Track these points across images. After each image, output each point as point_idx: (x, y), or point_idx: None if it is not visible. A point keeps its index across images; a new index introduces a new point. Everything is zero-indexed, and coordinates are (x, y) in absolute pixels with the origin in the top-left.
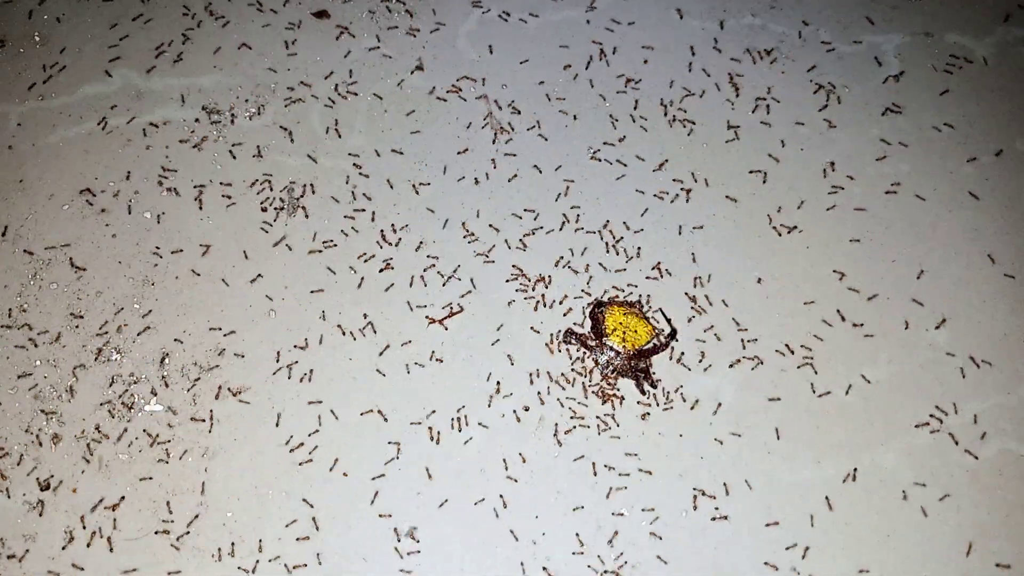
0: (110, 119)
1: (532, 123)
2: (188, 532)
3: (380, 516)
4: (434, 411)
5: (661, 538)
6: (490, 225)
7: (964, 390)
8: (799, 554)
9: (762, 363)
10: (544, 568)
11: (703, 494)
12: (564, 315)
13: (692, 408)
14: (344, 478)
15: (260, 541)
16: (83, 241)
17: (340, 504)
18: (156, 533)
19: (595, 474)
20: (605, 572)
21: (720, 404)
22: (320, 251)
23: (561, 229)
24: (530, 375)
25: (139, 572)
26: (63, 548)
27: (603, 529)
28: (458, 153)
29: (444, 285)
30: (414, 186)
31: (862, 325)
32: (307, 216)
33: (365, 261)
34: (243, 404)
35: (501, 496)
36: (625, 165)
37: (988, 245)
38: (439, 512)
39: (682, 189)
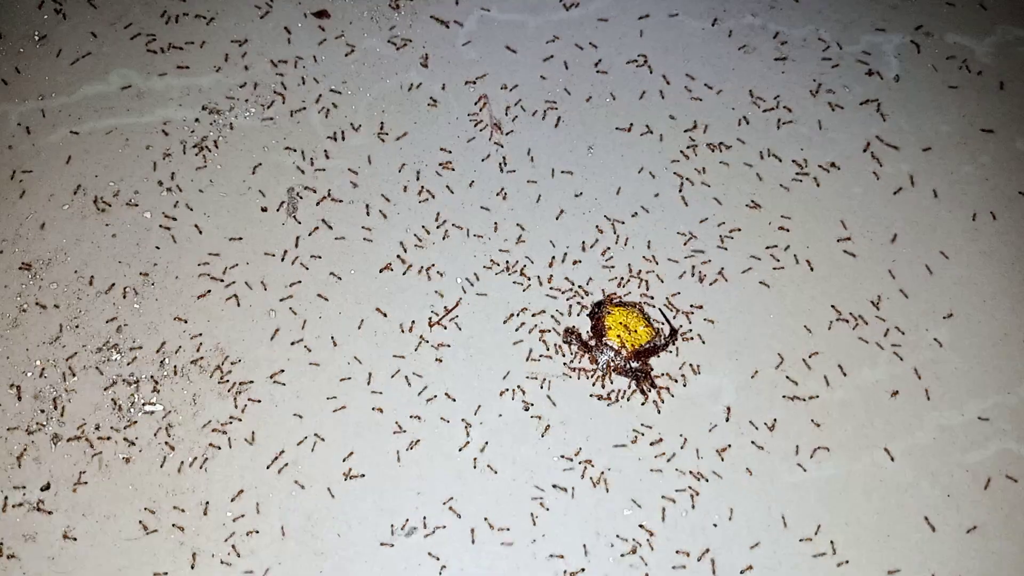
0: (110, 119)
1: (532, 123)
2: (188, 532)
3: (380, 516)
4: (435, 411)
5: (661, 537)
6: (490, 224)
7: (964, 390)
8: (800, 554)
9: (762, 363)
10: (544, 568)
11: (702, 494)
12: (564, 315)
13: (692, 408)
14: (344, 477)
15: (260, 541)
16: (83, 241)
17: (340, 503)
18: (156, 533)
19: (595, 474)
20: (606, 571)
21: (720, 404)
22: (321, 250)
23: (561, 228)
24: (530, 375)
25: (139, 572)
26: (63, 548)
27: (604, 529)
28: (458, 153)
29: (445, 285)
30: (414, 186)
31: (862, 325)
32: (308, 216)
33: (366, 261)
34: (243, 404)
35: (501, 496)
36: (624, 165)
37: (987, 245)
38: (440, 512)
39: (681, 189)
